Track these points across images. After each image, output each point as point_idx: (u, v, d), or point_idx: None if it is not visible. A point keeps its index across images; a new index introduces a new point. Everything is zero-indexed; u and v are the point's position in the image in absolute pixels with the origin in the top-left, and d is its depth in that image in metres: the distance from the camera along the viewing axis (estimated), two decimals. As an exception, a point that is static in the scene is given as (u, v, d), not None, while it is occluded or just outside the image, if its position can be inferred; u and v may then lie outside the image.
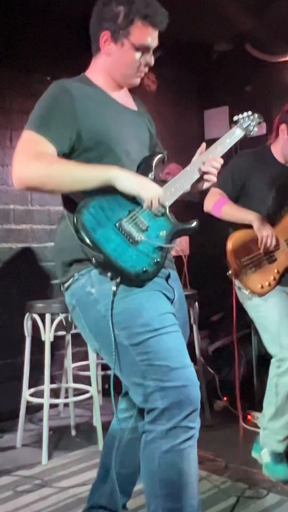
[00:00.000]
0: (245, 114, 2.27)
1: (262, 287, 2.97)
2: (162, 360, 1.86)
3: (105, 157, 1.96)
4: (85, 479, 2.91)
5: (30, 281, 4.02)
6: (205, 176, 2.09)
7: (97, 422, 3.40)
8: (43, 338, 3.30)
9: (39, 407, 3.57)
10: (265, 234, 2.94)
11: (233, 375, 3.93)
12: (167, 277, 2.05)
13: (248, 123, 2.25)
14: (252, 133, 2.27)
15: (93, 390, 3.46)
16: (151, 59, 2.06)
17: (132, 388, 1.94)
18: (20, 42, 4.03)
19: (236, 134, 2.23)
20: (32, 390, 3.48)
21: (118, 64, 2.04)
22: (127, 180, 1.89)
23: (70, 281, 2.00)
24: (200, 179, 2.10)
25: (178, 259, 4.24)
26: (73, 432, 3.63)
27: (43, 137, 1.88)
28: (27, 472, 3.05)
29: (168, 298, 2.01)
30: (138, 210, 1.94)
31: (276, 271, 3.00)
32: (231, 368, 3.95)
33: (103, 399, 4.06)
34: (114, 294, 1.87)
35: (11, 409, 3.61)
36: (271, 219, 3.04)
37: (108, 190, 1.89)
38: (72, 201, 1.95)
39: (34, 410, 3.79)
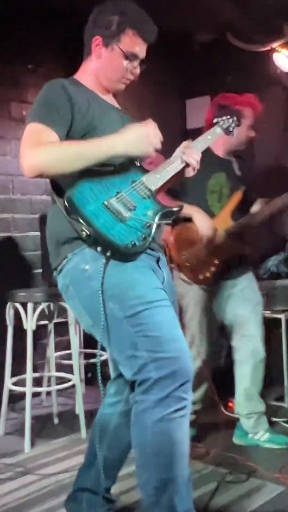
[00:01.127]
0: (224, 117, 2.43)
1: (203, 278, 3.08)
2: (156, 331, 1.92)
3: None
4: (67, 466, 2.94)
5: (12, 270, 4.02)
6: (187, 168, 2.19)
7: (79, 410, 3.43)
8: (25, 327, 3.31)
9: (22, 395, 3.58)
10: (205, 226, 3.03)
11: (215, 364, 3.98)
12: (158, 260, 2.12)
13: (228, 124, 2.42)
14: (231, 133, 2.45)
15: (76, 378, 3.48)
16: (137, 69, 2.20)
17: (124, 362, 1.98)
18: (1, 30, 4.00)
19: (216, 132, 2.38)
20: (15, 379, 3.49)
21: (106, 68, 2.19)
22: (132, 150, 2.00)
23: (63, 262, 2.05)
24: (182, 170, 2.18)
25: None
26: (56, 420, 3.65)
27: (46, 126, 1.99)
28: (10, 460, 3.07)
29: (161, 281, 2.08)
30: (125, 191, 2.03)
31: (216, 261, 3.09)
32: (213, 357, 3.99)
33: (85, 388, 4.08)
34: (105, 266, 1.94)
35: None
36: (211, 211, 3.13)
37: (96, 174, 2.00)
38: (60, 186, 2.03)
39: (16, 398, 3.80)
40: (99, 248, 1.94)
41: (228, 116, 2.42)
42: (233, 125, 2.43)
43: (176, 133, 5.04)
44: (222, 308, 3.23)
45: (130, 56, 2.15)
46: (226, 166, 3.22)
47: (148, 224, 2.02)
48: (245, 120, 3.09)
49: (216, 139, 2.40)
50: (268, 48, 4.45)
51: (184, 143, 2.22)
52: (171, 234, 3.12)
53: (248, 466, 2.86)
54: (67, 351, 3.89)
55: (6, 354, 3.45)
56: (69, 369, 3.73)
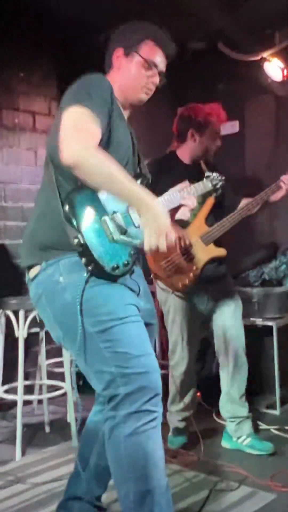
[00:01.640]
0: (214, 174, 2.62)
1: (182, 285, 3.11)
2: (125, 347, 1.94)
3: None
4: (58, 475, 2.92)
5: (3, 278, 4.01)
6: (182, 208, 2.39)
7: (71, 418, 3.42)
8: (16, 335, 3.30)
9: (13, 403, 3.56)
10: (177, 236, 3.03)
11: (205, 371, 3.99)
12: (131, 273, 2.11)
13: (216, 182, 2.59)
14: (217, 191, 2.64)
15: (67, 386, 3.47)
16: (157, 79, 2.23)
17: (94, 376, 2.00)
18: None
19: (207, 186, 2.57)
20: (6, 386, 3.48)
21: (126, 77, 2.20)
22: (151, 221, 1.96)
23: (36, 270, 2.05)
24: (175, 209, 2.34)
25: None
26: (47, 429, 3.64)
27: (93, 115, 1.93)
28: (1, 468, 3.05)
29: (133, 290, 2.09)
30: (121, 214, 2.02)
31: (195, 268, 3.13)
32: (204, 363, 4.00)
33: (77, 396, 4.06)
34: (86, 281, 1.95)
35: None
36: (183, 220, 3.13)
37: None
38: (63, 187, 2.01)
39: (8, 406, 3.79)
40: (83, 259, 1.94)
41: (218, 175, 2.59)
42: (220, 183, 2.59)
43: (167, 140, 5.06)
44: (203, 313, 3.27)
45: (149, 63, 2.18)
46: (194, 173, 3.20)
47: (133, 253, 2.05)
48: (207, 130, 3.22)
49: (205, 192, 2.57)
50: (259, 57, 4.48)
51: (181, 186, 2.39)
52: None
53: (239, 474, 2.86)
54: (59, 359, 3.88)
55: (-3, 361, 3.44)
56: (60, 376, 3.72)
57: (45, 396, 3.64)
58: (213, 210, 3.21)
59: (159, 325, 4.12)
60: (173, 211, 2.35)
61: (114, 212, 2.01)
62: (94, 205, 1.98)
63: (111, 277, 1.99)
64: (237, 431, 3.21)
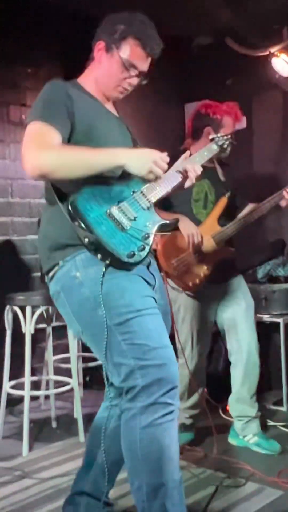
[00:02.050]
0: (220, 134, 2.51)
1: (193, 284, 3.11)
2: (142, 339, 1.95)
3: None
4: (65, 470, 2.93)
5: (10, 273, 4.02)
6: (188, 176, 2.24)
7: (77, 414, 3.42)
8: (23, 331, 3.31)
9: (20, 399, 3.58)
10: (190, 233, 3.07)
11: (213, 368, 3.98)
12: (148, 265, 2.15)
13: (223, 142, 2.46)
14: (225, 152, 2.52)
15: (74, 382, 3.48)
16: (134, 80, 2.20)
17: (112, 369, 2.01)
18: (0, 35, 4.01)
19: (213, 149, 2.44)
20: (13, 382, 3.48)
21: (103, 73, 2.19)
22: (136, 165, 2.01)
23: (55, 269, 2.08)
24: (181, 182, 2.24)
25: (154, 253, 4.26)
26: (54, 424, 3.65)
27: (49, 125, 2.00)
28: (8, 463, 3.06)
29: (149, 284, 2.11)
30: (127, 201, 2.06)
31: (205, 267, 3.12)
32: (211, 360, 3.99)
33: (83, 391, 4.07)
34: (103, 275, 1.97)
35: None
36: (197, 219, 3.16)
37: (98, 181, 2.02)
38: (61, 190, 2.03)
39: (15, 402, 3.79)
40: (99, 255, 1.97)
41: (224, 135, 2.48)
42: (227, 143, 2.47)
43: (175, 136, 5.05)
44: (214, 312, 3.26)
45: (127, 65, 2.15)
46: (209, 173, 3.19)
47: (147, 235, 2.06)
48: (224, 129, 3.14)
49: (212, 155, 2.44)
50: (267, 52, 4.46)
51: (184, 156, 2.28)
52: (159, 243, 3.15)
53: (246, 470, 2.86)
54: (66, 355, 3.88)
55: (5, 357, 3.44)
56: (67, 372, 3.73)
57: (52, 391, 3.65)
58: (226, 210, 3.19)
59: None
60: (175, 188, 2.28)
61: (120, 201, 2.03)
62: (97, 200, 2.00)
63: (131, 266, 2.01)
64: (244, 430, 3.20)
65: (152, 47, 2.17)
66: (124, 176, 2.09)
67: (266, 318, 3.85)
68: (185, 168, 2.22)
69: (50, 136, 1.99)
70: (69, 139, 2.06)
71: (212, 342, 3.40)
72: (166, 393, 1.93)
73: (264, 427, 3.33)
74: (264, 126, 4.77)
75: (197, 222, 3.15)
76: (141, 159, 2.03)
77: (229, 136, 2.49)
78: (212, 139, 2.47)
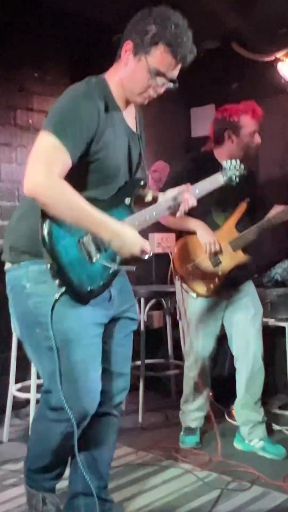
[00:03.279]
0: (233, 162, 2.41)
1: (207, 290, 3.11)
2: (66, 370, 2.03)
3: (94, 174, 2.03)
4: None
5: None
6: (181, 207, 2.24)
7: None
8: (29, 334, 3.31)
9: (26, 402, 3.59)
10: (207, 240, 3.06)
11: (218, 372, 3.98)
12: None
13: (232, 173, 2.41)
14: (233, 182, 2.45)
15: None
16: (161, 87, 2.08)
17: (40, 373, 2.18)
18: (8, 38, 4.03)
19: (218, 181, 2.38)
20: (19, 385, 3.49)
21: (129, 78, 2.07)
22: (121, 248, 1.99)
23: (9, 266, 2.10)
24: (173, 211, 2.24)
25: (165, 256, 4.28)
26: (59, 427, 3.65)
27: (63, 146, 1.89)
28: (14, 466, 3.07)
29: (103, 298, 2.11)
30: None
31: (220, 273, 3.12)
32: (216, 364, 4.00)
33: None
34: (55, 301, 1.98)
35: (-3, 404, 3.63)
36: (215, 222, 3.15)
37: None
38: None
39: (20, 405, 3.80)
40: (57, 281, 1.96)
41: (237, 163, 2.41)
42: (237, 173, 2.41)
43: (180, 142, 5.06)
44: (221, 316, 3.25)
45: (154, 73, 2.02)
46: None
47: (112, 271, 2.06)
48: (243, 129, 3.14)
49: (216, 186, 2.42)
50: (273, 57, 4.47)
51: (182, 188, 2.25)
52: (175, 246, 3.15)
53: (251, 474, 2.86)
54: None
55: (11, 360, 3.45)
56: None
57: (58, 394, 3.65)
58: (245, 215, 3.18)
59: (171, 325, 4.17)
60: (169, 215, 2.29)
61: None
62: (70, 227, 1.95)
63: (85, 300, 2.02)
64: (250, 435, 3.20)
65: (184, 55, 2.02)
66: (111, 203, 2.07)
67: (271, 322, 3.84)
68: (179, 202, 2.21)
69: (61, 159, 1.90)
70: (80, 160, 1.97)
71: (218, 345, 3.40)
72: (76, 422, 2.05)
73: (270, 432, 3.33)
74: (270, 130, 4.76)
75: (216, 226, 3.13)
76: (128, 244, 1.98)
77: (241, 166, 2.44)
78: (222, 169, 2.42)
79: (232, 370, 3.39)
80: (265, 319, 3.82)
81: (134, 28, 2.04)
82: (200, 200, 3.11)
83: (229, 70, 4.81)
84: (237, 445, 3.26)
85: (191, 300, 3.17)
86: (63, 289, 1.97)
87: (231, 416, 3.59)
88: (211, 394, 3.57)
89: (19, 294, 2.07)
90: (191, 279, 3.11)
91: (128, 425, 3.61)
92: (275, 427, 3.48)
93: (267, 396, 3.51)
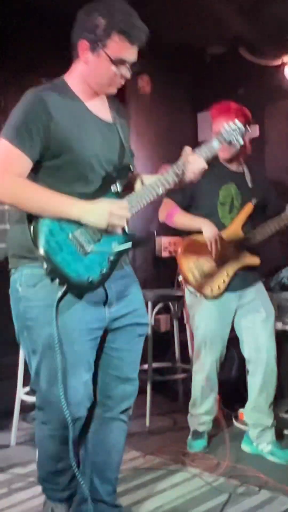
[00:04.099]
0: (232, 126, 2.29)
1: (212, 290, 3.10)
2: (48, 373, 2.09)
3: (70, 166, 2.07)
4: (79, 477, 2.94)
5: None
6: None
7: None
8: (37, 338, 3.32)
9: (34, 406, 3.57)
10: (213, 239, 3.05)
11: (225, 375, 3.98)
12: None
13: (233, 136, 2.29)
14: (237, 145, 2.36)
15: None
16: (127, 72, 2.12)
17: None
18: (15, 43, 4.05)
19: (213, 148, 2.27)
20: (27, 389, 3.50)
21: (94, 73, 2.11)
22: (92, 220, 2.02)
23: (12, 270, 2.17)
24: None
25: (172, 260, 4.28)
26: (67, 431, 3.65)
27: (17, 148, 1.99)
28: (22, 470, 3.08)
29: (97, 302, 2.13)
30: None
31: (226, 274, 3.12)
32: (223, 368, 3.99)
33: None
34: (59, 300, 2.02)
35: (6, 408, 3.62)
36: (222, 223, 3.15)
37: None
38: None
39: (28, 408, 3.80)
40: (57, 281, 2.00)
41: (234, 127, 2.29)
42: (237, 136, 2.29)
43: (188, 144, 5.07)
44: (231, 320, 3.23)
45: (117, 62, 2.06)
46: (237, 178, 3.22)
47: (109, 259, 2.09)
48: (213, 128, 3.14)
49: (216, 152, 2.31)
50: (279, 62, 4.48)
51: (184, 153, 2.21)
52: (180, 246, 3.15)
53: (259, 478, 2.85)
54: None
55: (19, 364, 3.46)
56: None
57: (65, 398, 3.66)
58: (253, 215, 3.18)
59: (178, 329, 4.17)
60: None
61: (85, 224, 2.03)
62: (59, 224, 2.01)
63: (87, 291, 2.06)
64: (258, 438, 3.19)
65: (138, 37, 2.06)
66: (98, 194, 2.09)
67: (278, 326, 3.83)
68: (173, 176, 2.18)
69: (18, 162, 2.00)
70: (46, 153, 2.04)
71: (225, 349, 3.40)
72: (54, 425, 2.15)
73: (280, 436, 3.32)
74: (276, 135, 4.78)
75: (222, 226, 3.13)
76: (96, 214, 2.02)
77: (239, 126, 2.29)
78: (218, 134, 2.30)
79: (240, 374, 3.39)
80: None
81: (83, 26, 2.08)
82: (205, 201, 3.14)
83: (235, 75, 4.82)
84: (245, 447, 3.25)
85: (200, 304, 3.17)
86: (65, 286, 2.00)
87: (238, 420, 3.59)
88: (218, 397, 3.57)
89: (14, 297, 2.14)
90: (196, 280, 3.10)
91: (136, 429, 3.60)
92: (285, 432, 3.45)
93: (274, 400, 3.49)
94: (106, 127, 2.19)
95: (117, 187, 2.13)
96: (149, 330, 3.85)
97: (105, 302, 2.16)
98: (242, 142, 2.34)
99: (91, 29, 2.04)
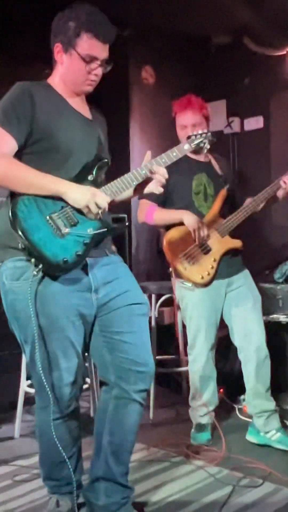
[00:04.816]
0: (199, 131, 2.43)
1: (202, 277, 3.13)
2: (39, 362, 2.19)
3: (50, 153, 2.20)
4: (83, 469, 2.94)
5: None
6: (153, 180, 2.31)
7: (94, 413, 3.43)
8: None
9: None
10: (196, 226, 3.11)
11: (229, 367, 3.98)
12: (85, 266, 2.23)
13: (199, 140, 2.41)
14: (204, 149, 2.44)
15: (91, 381, 3.49)
16: (99, 70, 2.27)
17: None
18: (20, 33, 4.03)
19: (183, 149, 2.38)
20: (30, 381, 3.50)
21: (68, 72, 2.28)
22: (74, 196, 2.13)
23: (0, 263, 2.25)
24: (143, 185, 2.32)
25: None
26: (71, 423, 3.65)
27: (6, 131, 2.13)
28: (26, 462, 3.08)
29: (81, 289, 2.22)
30: (70, 206, 2.15)
31: (213, 259, 3.16)
32: (227, 360, 3.99)
33: (101, 390, 4.08)
34: (34, 276, 2.11)
35: (10, 400, 3.64)
36: (199, 212, 3.21)
37: None
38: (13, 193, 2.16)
39: (32, 401, 3.78)
40: (33, 260, 2.09)
41: (205, 132, 2.42)
42: (205, 141, 2.42)
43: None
44: (221, 308, 3.26)
45: (87, 58, 2.22)
46: (204, 167, 3.30)
47: (84, 242, 2.15)
48: (177, 125, 3.29)
49: (183, 154, 2.38)
50: (284, 51, 4.45)
51: (146, 156, 2.32)
52: (164, 238, 3.17)
53: (263, 470, 2.85)
54: (83, 354, 3.89)
55: (22, 356, 3.46)
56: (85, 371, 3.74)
57: (69, 390, 3.66)
58: (226, 203, 3.24)
59: (182, 321, 4.15)
60: (140, 187, 2.35)
61: (62, 207, 2.14)
62: (38, 206, 2.12)
63: (63, 271, 2.14)
64: (266, 426, 3.19)
65: (105, 34, 2.23)
66: (76, 180, 2.19)
67: (282, 318, 3.83)
68: (146, 172, 2.27)
69: (5, 142, 2.13)
70: (29, 139, 2.17)
71: (228, 341, 3.39)
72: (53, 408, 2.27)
73: (284, 427, 3.31)
74: (281, 125, 4.75)
75: (200, 215, 3.18)
76: (81, 193, 2.13)
77: (207, 133, 2.42)
78: (189, 137, 2.42)
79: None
80: (276, 315, 3.82)
81: (56, 32, 2.28)
82: (180, 193, 3.16)
83: (240, 65, 4.79)
84: (251, 438, 3.25)
85: (190, 293, 3.18)
86: (41, 266, 2.08)
87: (242, 412, 3.58)
88: (221, 390, 3.57)
89: (3, 290, 2.24)
90: (185, 269, 3.11)
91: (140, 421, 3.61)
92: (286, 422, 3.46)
93: (278, 392, 3.49)
94: (85, 122, 2.35)
95: (93, 176, 2.24)
96: (152, 323, 3.85)
97: (91, 287, 2.24)
98: (208, 147, 2.44)
99: (63, 33, 2.24)
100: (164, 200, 3.23)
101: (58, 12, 2.29)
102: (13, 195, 2.14)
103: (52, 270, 2.12)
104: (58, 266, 2.11)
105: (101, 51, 2.24)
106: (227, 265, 3.21)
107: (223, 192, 3.23)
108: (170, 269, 3.18)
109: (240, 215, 3.20)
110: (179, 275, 3.15)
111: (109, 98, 3.48)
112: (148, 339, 2.36)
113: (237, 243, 3.23)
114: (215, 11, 4.25)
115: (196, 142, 2.41)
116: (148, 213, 3.24)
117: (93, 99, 2.46)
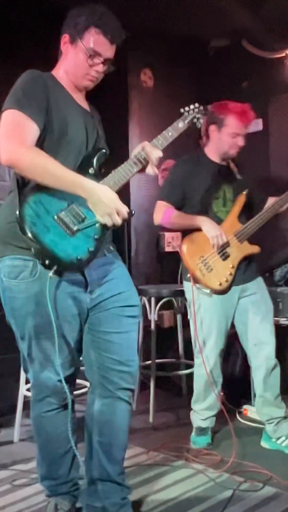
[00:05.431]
0: (191, 106, 2.40)
1: (220, 284, 3.12)
2: (36, 358, 2.28)
3: (61, 144, 2.19)
4: (82, 473, 2.91)
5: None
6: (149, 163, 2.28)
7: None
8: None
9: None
10: (214, 234, 3.09)
11: (230, 371, 3.96)
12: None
13: (192, 116, 2.40)
14: (197, 125, 2.41)
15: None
16: (100, 66, 2.27)
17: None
18: (19, 38, 4.03)
19: (178, 127, 2.37)
20: (29, 385, 3.48)
21: (71, 63, 2.29)
22: (98, 204, 2.10)
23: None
24: (142, 169, 2.29)
25: (175, 255, 4.26)
26: (71, 427, 3.64)
27: (27, 115, 2.10)
28: (24, 466, 3.07)
29: (79, 287, 2.23)
30: (76, 203, 2.13)
31: (231, 266, 3.14)
32: (227, 363, 3.98)
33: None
34: (51, 278, 2.10)
35: (9, 404, 3.62)
36: (218, 217, 3.19)
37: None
38: (22, 190, 2.14)
39: (31, 405, 3.80)
40: (47, 262, 2.07)
41: (196, 106, 2.41)
42: (198, 115, 2.40)
43: (191, 139, 5.04)
44: (232, 314, 3.24)
45: (90, 52, 2.23)
46: (224, 172, 3.28)
47: (95, 237, 2.15)
48: (225, 128, 3.17)
49: (179, 133, 2.36)
50: (283, 54, 4.45)
51: (143, 144, 2.29)
52: (183, 244, 3.15)
53: (263, 475, 2.84)
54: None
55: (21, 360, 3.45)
56: (84, 375, 3.72)
57: (69, 394, 3.65)
58: (245, 208, 3.22)
59: (181, 325, 4.15)
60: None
61: (69, 205, 2.12)
62: (44, 206, 2.08)
63: (78, 269, 2.15)
64: (276, 432, 3.18)
65: (113, 34, 2.25)
66: (76, 172, 2.16)
67: (283, 321, 3.82)
68: (144, 155, 2.25)
69: (29, 128, 2.09)
70: (47, 131, 2.15)
71: (229, 345, 3.38)
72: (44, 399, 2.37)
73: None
74: (280, 128, 4.75)
75: (218, 220, 3.16)
76: (105, 203, 2.09)
77: (199, 107, 2.41)
78: (181, 114, 2.40)
79: (244, 369, 3.37)
80: (276, 318, 3.81)
81: (66, 25, 2.29)
82: (200, 198, 3.15)
83: (239, 68, 4.79)
84: (265, 444, 3.24)
85: (205, 298, 3.16)
86: (55, 267, 2.06)
87: (243, 416, 3.57)
88: (222, 393, 3.56)
89: (1, 286, 2.25)
90: (204, 275, 3.10)
91: (139, 425, 3.60)
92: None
93: (282, 395, 3.48)
94: (86, 114, 2.36)
95: (93, 170, 2.23)
96: (152, 326, 3.84)
97: (86, 289, 2.24)
98: (202, 121, 2.43)
99: (73, 25, 2.26)
100: (183, 203, 3.22)
101: (58, 13, 2.32)
102: (18, 197, 2.10)
103: (67, 270, 2.12)
104: (72, 265, 2.10)
105: (107, 49, 2.25)
106: (242, 272, 3.19)
107: (242, 198, 3.20)
108: (187, 276, 3.17)
109: (258, 220, 3.17)
110: (197, 281, 3.13)
111: (108, 101, 3.48)
112: (135, 341, 2.37)
113: (255, 249, 3.21)
114: (214, 15, 4.24)
115: (189, 118, 2.39)
116: (165, 216, 3.20)
117: (92, 101, 2.47)
